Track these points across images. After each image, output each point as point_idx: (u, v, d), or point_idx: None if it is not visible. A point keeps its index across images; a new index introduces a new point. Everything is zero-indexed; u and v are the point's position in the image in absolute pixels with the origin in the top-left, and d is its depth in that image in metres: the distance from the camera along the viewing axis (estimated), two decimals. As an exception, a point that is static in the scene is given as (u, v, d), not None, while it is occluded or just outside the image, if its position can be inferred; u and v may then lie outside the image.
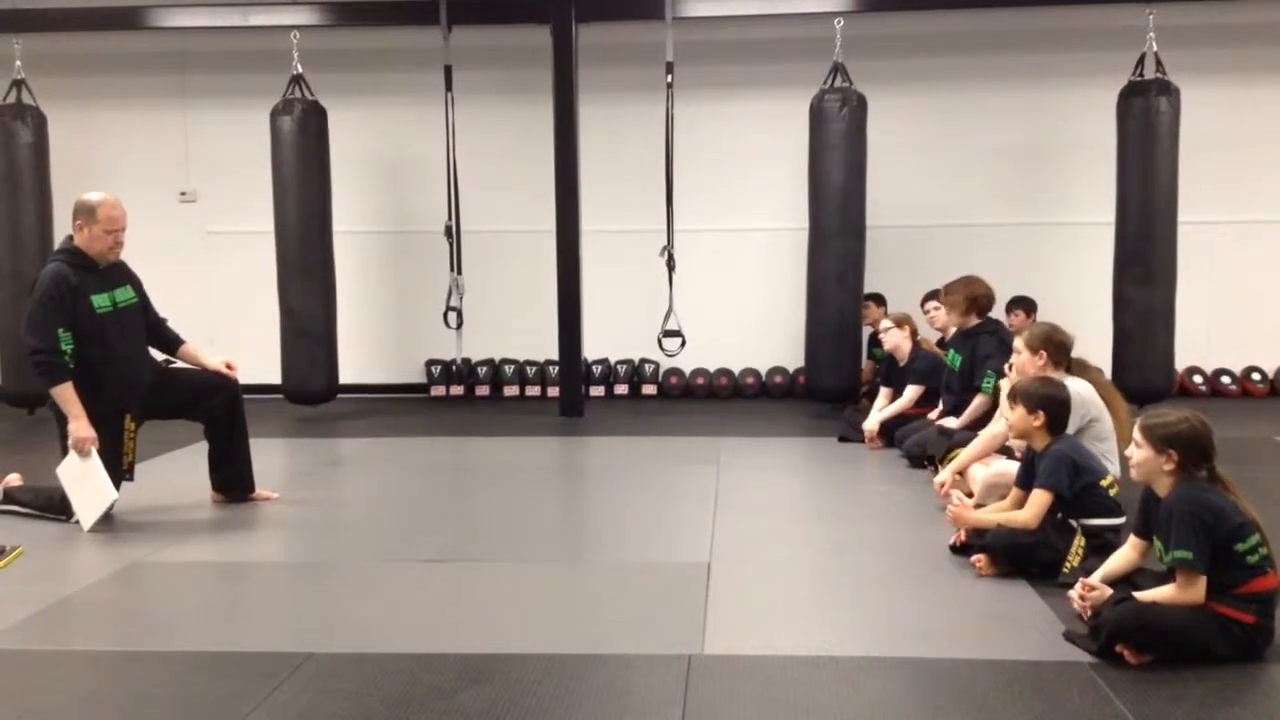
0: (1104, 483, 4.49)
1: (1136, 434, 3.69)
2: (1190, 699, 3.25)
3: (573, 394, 8.83)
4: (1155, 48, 8.03)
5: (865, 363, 8.59)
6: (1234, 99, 9.04)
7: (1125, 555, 3.88)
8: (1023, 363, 5.13)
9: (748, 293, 9.57)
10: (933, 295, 7.58)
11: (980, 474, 5.33)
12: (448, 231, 9.01)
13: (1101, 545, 4.27)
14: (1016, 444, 5.04)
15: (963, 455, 5.49)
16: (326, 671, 3.53)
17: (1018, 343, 5.24)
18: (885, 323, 7.41)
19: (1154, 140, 7.98)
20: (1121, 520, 4.44)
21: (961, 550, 4.58)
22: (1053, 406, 4.56)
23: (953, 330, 6.88)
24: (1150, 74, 8.05)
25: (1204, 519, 3.47)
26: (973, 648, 3.68)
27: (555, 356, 9.01)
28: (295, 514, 5.68)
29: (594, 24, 8.88)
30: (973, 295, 6.61)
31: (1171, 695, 3.27)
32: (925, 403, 7.02)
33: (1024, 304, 8.39)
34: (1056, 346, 5.16)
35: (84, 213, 5.37)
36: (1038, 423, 4.54)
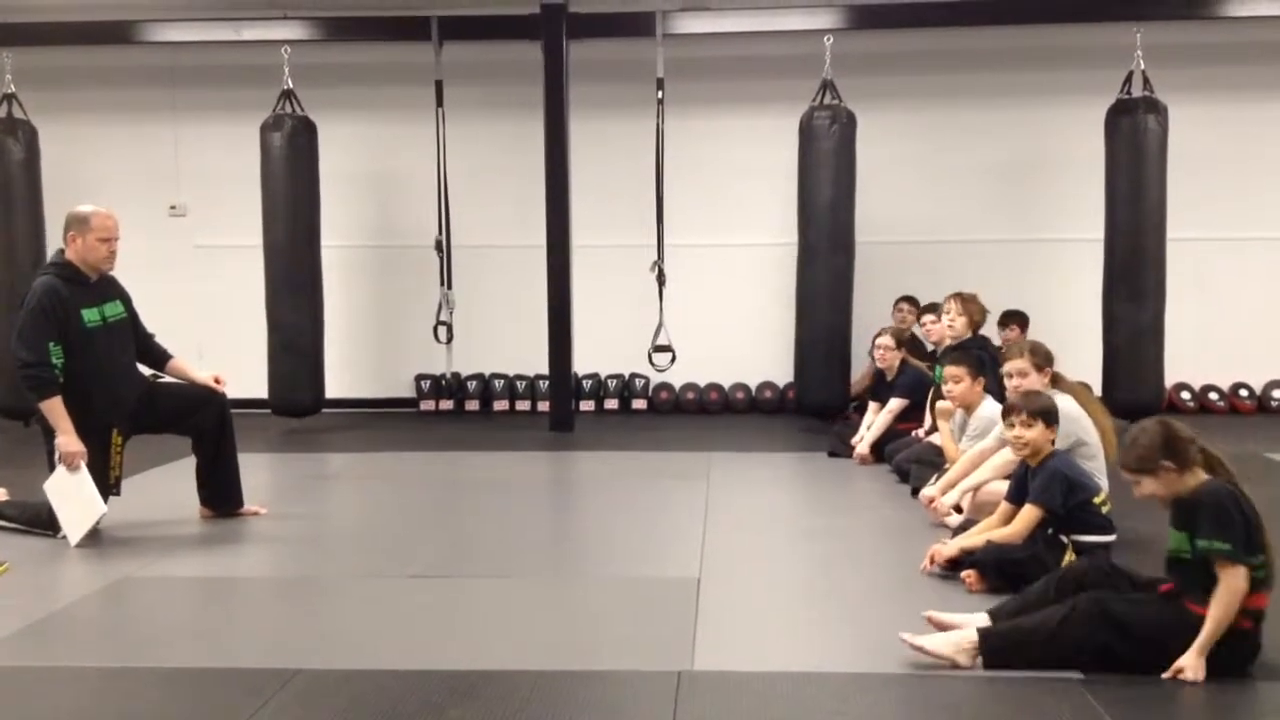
0: (1096, 499, 4.49)
1: (1128, 476, 3.66)
2: (1180, 715, 3.25)
3: (563, 409, 8.82)
4: (1143, 66, 8.08)
5: (861, 372, 8.55)
6: (1221, 116, 9.09)
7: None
8: (1030, 383, 5.09)
9: (738, 308, 9.57)
10: (929, 309, 7.58)
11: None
12: (438, 246, 9.01)
13: (1092, 562, 4.27)
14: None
15: (953, 471, 5.48)
16: (314, 687, 3.51)
17: (1023, 364, 5.18)
18: (884, 339, 7.39)
19: (1142, 157, 8.02)
20: (1113, 537, 4.46)
21: (952, 566, 4.57)
22: (1058, 420, 4.56)
23: (946, 343, 6.89)
24: (1138, 92, 8.10)
25: (1238, 518, 3.44)
26: (963, 664, 3.67)
27: (545, 371, 9.00)
28: (283, 529, 5.66)
29: (585, 40, 8.90)
30: (980, 309, 6.73)
31: (1162, 711, 3.27)
32: (912, 418, 7.03)
33: (1018, 318, 8.40)
34: (1050, 360, 5.20)
35: (77, 223, 5.37)
36: (1052, 436, 4.53)
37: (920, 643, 3.56)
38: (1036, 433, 4.49)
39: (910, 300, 8.46)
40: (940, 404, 6.10)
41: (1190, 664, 3.43)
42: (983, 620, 3.75)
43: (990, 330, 8.00)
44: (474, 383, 9.75)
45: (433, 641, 4.00)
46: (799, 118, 8.42)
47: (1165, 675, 3.44)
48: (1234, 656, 3.49)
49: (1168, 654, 3.45)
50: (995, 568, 4.37)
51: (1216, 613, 3.42)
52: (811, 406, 8.55)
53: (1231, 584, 3.41)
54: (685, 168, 9.18)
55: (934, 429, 6.63)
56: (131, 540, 5.36)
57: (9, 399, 8.23)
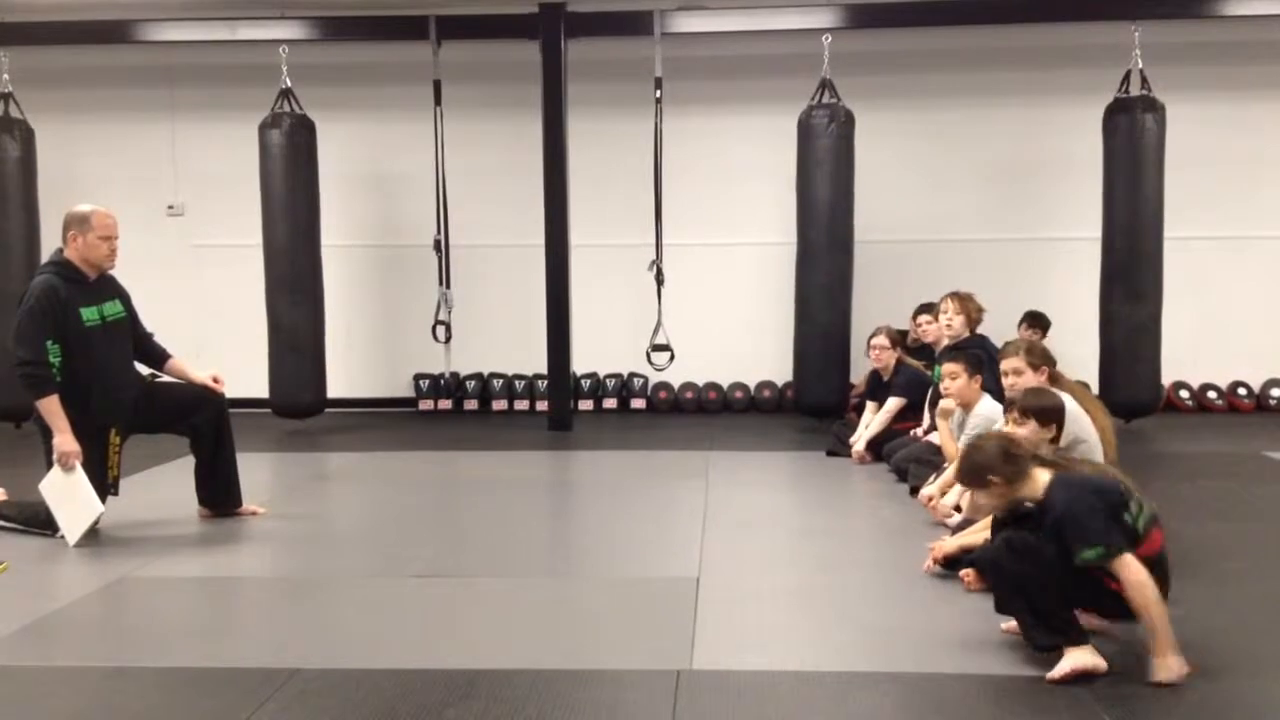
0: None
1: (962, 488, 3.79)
2: (1178, 714, 3.25)
3: (561, 408, 8.83)
4: (1141, 64, 8.09)
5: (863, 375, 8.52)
6: (1219, 115, 9.10)
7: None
8: (1025, 381, 5.09)
9: (736, 307, 9.58)
10: (925, 309, 7.57)
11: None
12: (436, 245, 9.01)
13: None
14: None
15: (951, 471, 5.48)
16: (313, 687, 3.51)
17: (1018, 362, 5.18)
18: (880, 339, 7.39)
19: (1140, 156, 8.03)
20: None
21: (950, 565, 4.57)
22: (1062, 418, 4.55)
23: (944, 343, 6.89)
24: (1136, 91, 8.11)
25: (1093, 504, 3.46)
26: (961, 662, 3.68)
27: (544, 371, 9.01)
28: (282, 529, 5.66)
29: (583, 39, 8.90)
30: (977, 307, 6.72)
31: (1162, 711, 3.28)
32: (910, 417, 7.04)
33: (1040, 322, 8.35)
34: (1048, 359, 5.19)
35: (77, 222, 5.36)
36: (1050, 435, 4.52)
37: (1058, 675, 3.47)
38: (1028, 430, 4.49)
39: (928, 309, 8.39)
40: (942, 403, 6.10)
41: (1161, 664, 3.41)
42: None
43: (1009, 328, 8.02)
44: (473, 382, 9.75)
45: (432, 641, 4.01)
46: (797, 116, 8.42)
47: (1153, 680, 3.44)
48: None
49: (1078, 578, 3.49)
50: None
51: (1141, 607, 3.41)
52: (810, 406, 8.55)
53: (1131, 577, 3.41)
54: (684, 167, 9.18)
55: (932, 428, 6.64)
56: (130, 540, 5.36)
57: (3, 399, 8.21)
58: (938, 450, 6.16)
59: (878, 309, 8.60)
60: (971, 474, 3.68)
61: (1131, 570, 3.41)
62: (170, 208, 9.85)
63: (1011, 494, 3.63)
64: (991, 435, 3.80)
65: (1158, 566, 3.52)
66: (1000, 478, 3.61)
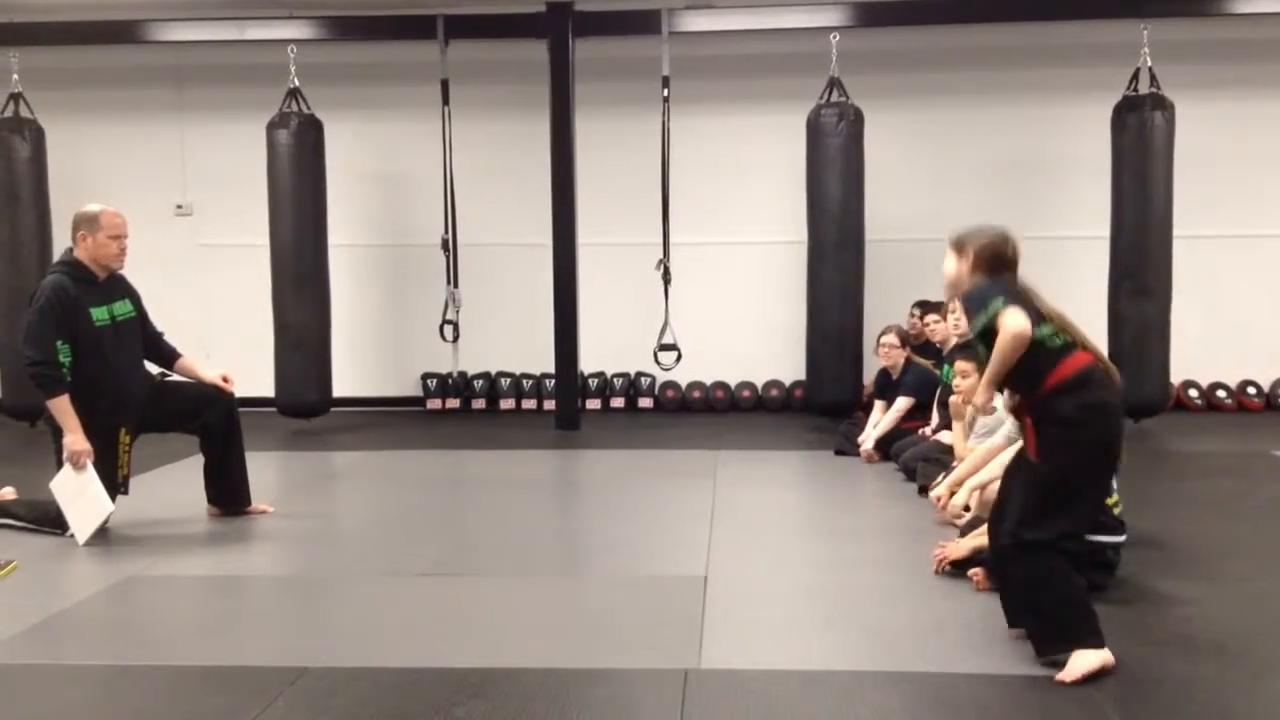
0: (1108, 500, 4.47)
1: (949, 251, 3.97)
2: (1186, 713, 3.25)
3: (569, 407, 8.83)
4: (1150, 63, 8.08)
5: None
6: (1229, 114, 9.07)
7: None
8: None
9: (743, 306, 9.57)
10: (932, 308, 7.55)
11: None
12: (444, 245, 9.02)
13: (1101, 562, 4.26)
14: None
15: (960, 469, 5.48)
16: (321, 686, 3.51)
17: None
18: (889, 337, 7.38)
19: (1149, 155, 8.01)
20: (1122, 538, 4.44)
21: (959, 565, 4.56)
22: None
23: (952, 343, 6.87)
24: (1145, 89, 8.09)
25: (988, 289, 3.69)
26: (970, 662, 3.67)
27: (551, 370, 9.01)
28: (291, 527, 5.67)
29: (591, 38, 8.90)
30: None
31: (1170, 710, 3.27)
32: (919, 417, 7.03)
33: None
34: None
35: (87, 222, 5.38)
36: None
37: (1069, 677, 3.45)
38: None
39: (924, 306, 8.34)
40: (953, 400, 6.10)
41: (975, 392, 3.78)
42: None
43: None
44: (480, 381, 9.75)
45: (440, 639, 4.01)
46: (806, 115, 8.41)
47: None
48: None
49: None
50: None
51: (995, 351, 3.59)
52: (822, 405, 8.53)
53: (1007, 320, 3.56)
54: (691, 165, 9.18)
55: (941, 427, 6.63)
56: (139, 539, 5.37)
57: (16, 399, 8.26)
58: (946, 449, 6.15)
59: (887, 308, 8.58)
60: (962, 235, 3.86)
61: (1009, 319, 3.55)
62: (179, 207, 9.87)
63: (964, 277, 3.81)
64: (1003, 229, 3.87)
65: (1078, 385, 3.64)
66: (974, 256, 3.78)
